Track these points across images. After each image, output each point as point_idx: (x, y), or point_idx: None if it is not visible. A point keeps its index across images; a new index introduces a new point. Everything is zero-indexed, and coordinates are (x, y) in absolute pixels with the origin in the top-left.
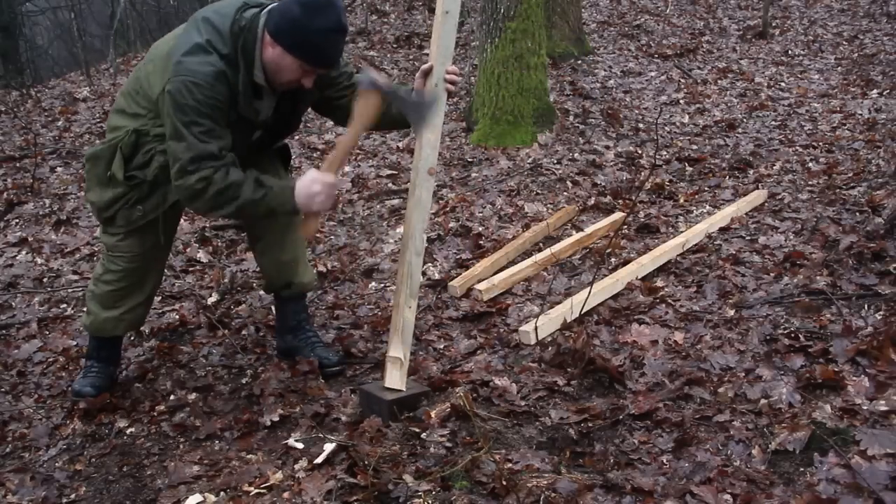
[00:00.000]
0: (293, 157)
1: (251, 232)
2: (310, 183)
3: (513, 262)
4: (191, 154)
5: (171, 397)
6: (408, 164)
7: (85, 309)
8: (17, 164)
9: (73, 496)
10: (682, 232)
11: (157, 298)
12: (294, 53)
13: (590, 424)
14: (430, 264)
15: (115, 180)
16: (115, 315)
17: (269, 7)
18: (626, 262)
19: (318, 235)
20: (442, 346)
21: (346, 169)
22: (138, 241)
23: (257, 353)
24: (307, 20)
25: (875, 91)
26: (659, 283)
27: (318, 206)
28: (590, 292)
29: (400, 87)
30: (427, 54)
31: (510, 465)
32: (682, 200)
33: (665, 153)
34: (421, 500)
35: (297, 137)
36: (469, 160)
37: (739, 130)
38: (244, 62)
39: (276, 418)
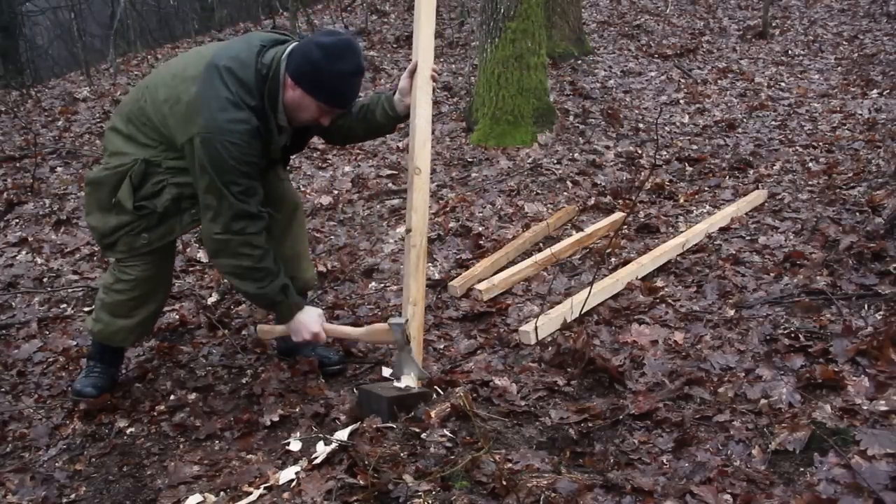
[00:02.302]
0: (294, 155)
1: None
2: (307, 328)
3: (513, 262)
4: (232, 213)
5: (171, 397)
6: (408, 164)
7: (93, 317)
8: (17, 164)
9: (73, 496)
10: (682, 232)
11: (167, 301)
12: (315, 95)
13: (590, 424)
14: (430, 264)
15: (121, 208)
16: (130, 324)
17: (290, 50)
18: (626, 262)
19: (317, 235)
20: (442, 346)
21: (347, 169)
22: (150, 254)
23: (257, 353)
24: (328, 64)
25: (875, 91)
26: (659, 283)
27: (296, 340)
28: (590, 292)
29: (406, 345)
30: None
31: (510, 465)
32: (682, 200)
33: (665, 153)
34: (421, 500)
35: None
36: (469, 160)
37: (739, 130)
38: (272, 109)
39: (276, 418)
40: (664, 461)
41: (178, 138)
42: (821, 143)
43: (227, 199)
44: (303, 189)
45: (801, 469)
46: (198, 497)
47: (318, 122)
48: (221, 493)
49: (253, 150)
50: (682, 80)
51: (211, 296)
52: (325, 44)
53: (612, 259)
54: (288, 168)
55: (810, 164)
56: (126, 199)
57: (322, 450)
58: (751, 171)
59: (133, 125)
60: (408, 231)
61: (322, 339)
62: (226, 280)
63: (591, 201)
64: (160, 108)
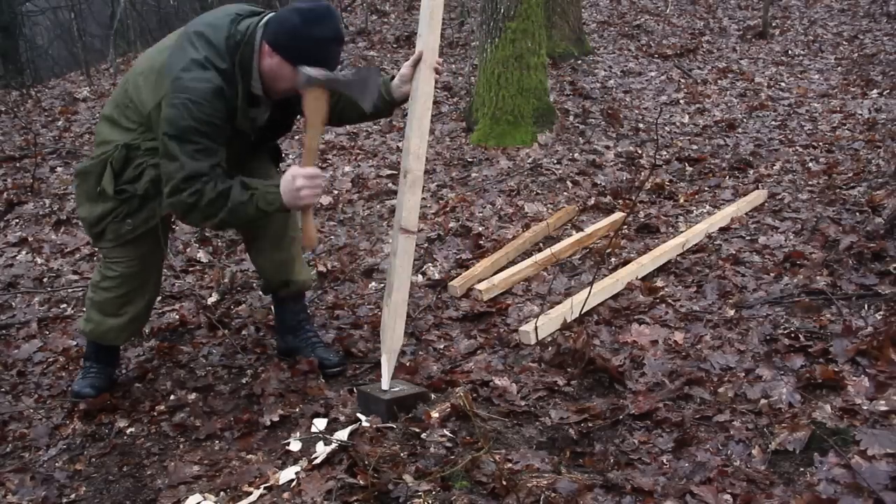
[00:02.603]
0: (292, 155)
1: (246, 233)
2: (291, 179)
3: (513, 262)
4: (183, 173)
5: (171, 397)
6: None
7: (84, 316)
8: (17, 164)
9: (73, 496)
10: (682, 232)
11: (157, 298)
12: (293, 62)
13: (590, 424)
14: (430, 264)
15: (104, 195)
16: (118, 323)
17: (267, 17)
18: (626, 262)
19: (317, 235)
20: (442, 346)
21: (347, 169)
22: (134, 247)
23: (257, 353)
24: (306, 30)
25: (875, 91)
26: (659, 283)
27: (305, 200)
28: (590, 292)
29: (336, 73)
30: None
31: (510, 465)
32: (682, 200)
33: (665, 153)
34: (421, 500)
35: (296, 137)
36: (469, 160)
37: (739, 130)
38: (242, 75)
39: (276, 418)
40: (664, 461)
41: (149, 106)
42: (821, 143)
43: (178, 158)
44: None
45: (801, 469)
46: (198, 497)
47: (297, 92)
48: (221, 493)
49: (215, 111)
50: (682, 80)
51: (211, 296)
52: (303, 9)
53: (612, 259)
54: (279, 166)
55: (810, 164)
56: (108, 185)
57: (322, 450)
58: (751, 171)
59: (118, 109)
60: (405, 175)
61: (315, 171)
62: (226, 281)
63: (591, 201)
64: (137, 81)
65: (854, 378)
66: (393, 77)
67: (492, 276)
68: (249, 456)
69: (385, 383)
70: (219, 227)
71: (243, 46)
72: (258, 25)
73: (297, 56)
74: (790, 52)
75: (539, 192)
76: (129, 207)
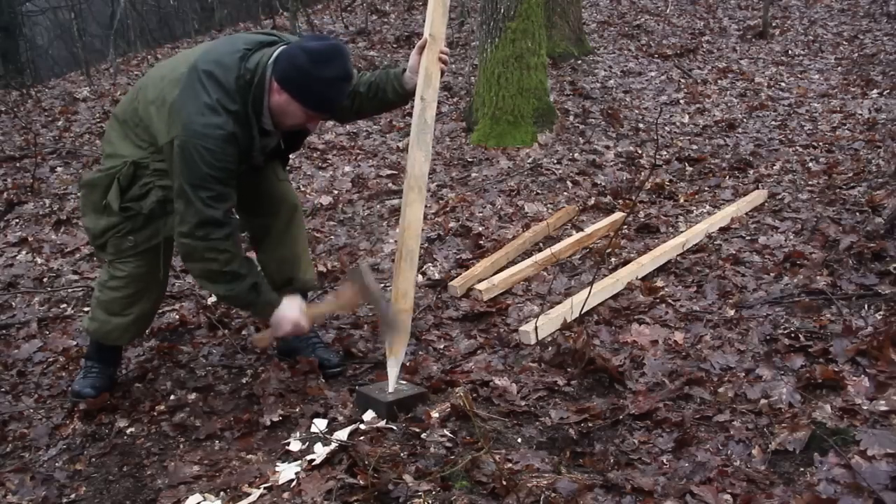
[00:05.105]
0: (294, 155)
1: (253, 230)
2: (287, 320)
3: (513, 262)
4: (197, 219)
5: (171, 397)
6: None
7: (89, 315)
8: (17, 164)
9: (73, 496)
10: (682, 232)
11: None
12: (301, 101)
13: (590, 424)
14: (430, 264)
15: (109, 209)
16: (124, 322)
17: (277, 54)
18: (626, 262)
19: (317, 235)
20: (442, 346)
21: (347, 169)
22: (137, 255)
23: (257, 353)
24: (315, 70)
25: (875, 91)
26: (659, 283)
27: (280, 336)
28: (590, 292)
29: (384, 296)
30: None
31: (510, 465)
32: (682, 200)
33: (665, 153)
34: (421, 500)
35: None
36: (469, 160)
37: (739, 130)
38: (255, 113)
39: (276, 418)
40: (664, 461)
41: (161, 139)
42: (821, 143)
43: (193, 204)
44: (303, 189)
45: (801, 469)
46: (198, 497)
47: (303, 128)
48: (221, 493)
49: (228, 156)
50: (682, 80)
51: (211, 296)
52: (312, 49)
53: (612, 259)
54: (287, 168)
55: (810, 164)
56: (114, 201)
57: (320, 451)
58: (751, 171)
59: (127, 126)
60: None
61: (305, 328)
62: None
63: (591, 201)
64: (148, 109)
65: (854, 378)
66: (404, 70)
67: (492, 276)
68: (249, 456)
69: (391, 386)
70: (203, 287)
71: (255, 88)
72: (268, 63)
73: (304, 95)
74: (790, 52)
75: (539, 192)
76: (132, 224)
